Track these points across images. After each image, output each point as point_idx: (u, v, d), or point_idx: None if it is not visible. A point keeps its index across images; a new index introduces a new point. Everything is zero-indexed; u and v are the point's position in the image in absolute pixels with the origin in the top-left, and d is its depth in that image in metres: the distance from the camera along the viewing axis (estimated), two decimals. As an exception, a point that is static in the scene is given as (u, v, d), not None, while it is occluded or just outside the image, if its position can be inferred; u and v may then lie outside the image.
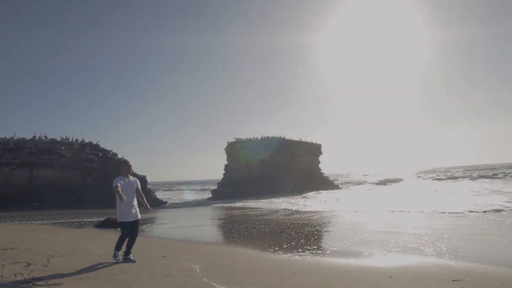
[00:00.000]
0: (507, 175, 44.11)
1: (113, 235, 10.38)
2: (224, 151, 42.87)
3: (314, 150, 47.38)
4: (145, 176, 32.61)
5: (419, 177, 57.60)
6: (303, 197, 28.40)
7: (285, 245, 7.85)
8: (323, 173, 47.64)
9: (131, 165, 6.01)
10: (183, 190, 57.59)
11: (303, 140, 46.62)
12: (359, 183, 50.22)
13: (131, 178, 5.86)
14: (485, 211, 12.91)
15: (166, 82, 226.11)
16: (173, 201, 35.24)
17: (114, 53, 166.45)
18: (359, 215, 14.44)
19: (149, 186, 33.59)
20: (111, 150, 34.02)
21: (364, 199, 22.85)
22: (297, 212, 17.26)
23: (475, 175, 47.94)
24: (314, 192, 34.55)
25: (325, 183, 43.98)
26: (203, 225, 13.96)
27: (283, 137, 44.69)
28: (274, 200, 27.19)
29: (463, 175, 50.36)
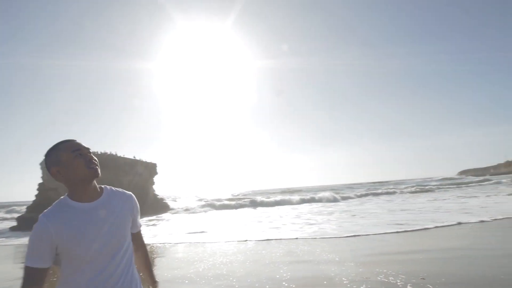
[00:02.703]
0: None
1: None
2: (39, 167, 34.21)
3: (149, 169, 43.74)
4: None
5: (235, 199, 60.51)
6: (147, 224, 24.74)
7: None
8: (158, 195, 44.43)
9: (88, 148, 1.82)
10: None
11: (137, 158, 42.36)
12: (199, 207, 48.71)
13: (106, 194, 1.85)
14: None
15: None
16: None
17: None
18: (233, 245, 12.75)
19: None
20: None
21: (215, 225, 21.44)
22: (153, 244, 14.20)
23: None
24: (155, 216, 31.05)
25: (161, 206, 40.91)
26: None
27: (114, 153, 39.37)
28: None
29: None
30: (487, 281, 5.55)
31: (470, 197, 25.76)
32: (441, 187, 44.34)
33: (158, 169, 46.50)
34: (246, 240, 12.74)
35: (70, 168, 1.71)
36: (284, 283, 6.24)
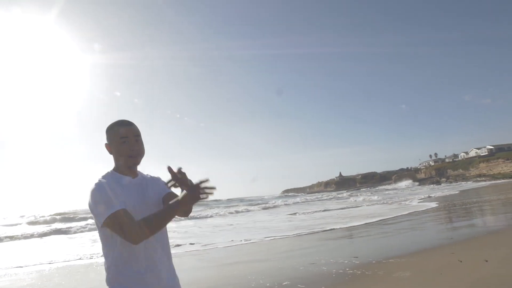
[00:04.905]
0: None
1: None
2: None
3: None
4: None
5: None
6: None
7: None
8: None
9: (138, 136, 1.84)
10: None
11: None
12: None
13: (142, 175, 1.92)
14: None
15: None
16: None
17: None
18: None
19: None
20: None
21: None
22: None
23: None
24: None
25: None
26: None
27: None
28: None
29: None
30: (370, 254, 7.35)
31: (325, 210, 27.84)
32: (295, 203, 45.96)
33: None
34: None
35: (117, 151, 1.84)
36: (249, 277, 6.43)
